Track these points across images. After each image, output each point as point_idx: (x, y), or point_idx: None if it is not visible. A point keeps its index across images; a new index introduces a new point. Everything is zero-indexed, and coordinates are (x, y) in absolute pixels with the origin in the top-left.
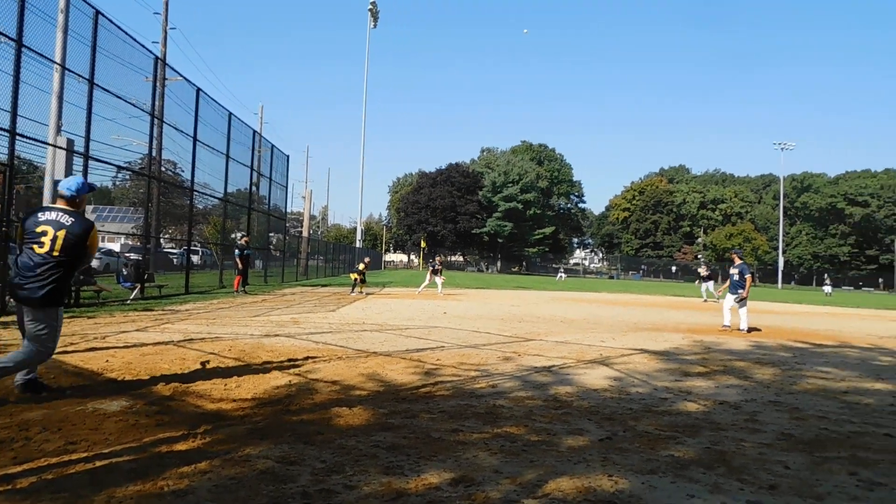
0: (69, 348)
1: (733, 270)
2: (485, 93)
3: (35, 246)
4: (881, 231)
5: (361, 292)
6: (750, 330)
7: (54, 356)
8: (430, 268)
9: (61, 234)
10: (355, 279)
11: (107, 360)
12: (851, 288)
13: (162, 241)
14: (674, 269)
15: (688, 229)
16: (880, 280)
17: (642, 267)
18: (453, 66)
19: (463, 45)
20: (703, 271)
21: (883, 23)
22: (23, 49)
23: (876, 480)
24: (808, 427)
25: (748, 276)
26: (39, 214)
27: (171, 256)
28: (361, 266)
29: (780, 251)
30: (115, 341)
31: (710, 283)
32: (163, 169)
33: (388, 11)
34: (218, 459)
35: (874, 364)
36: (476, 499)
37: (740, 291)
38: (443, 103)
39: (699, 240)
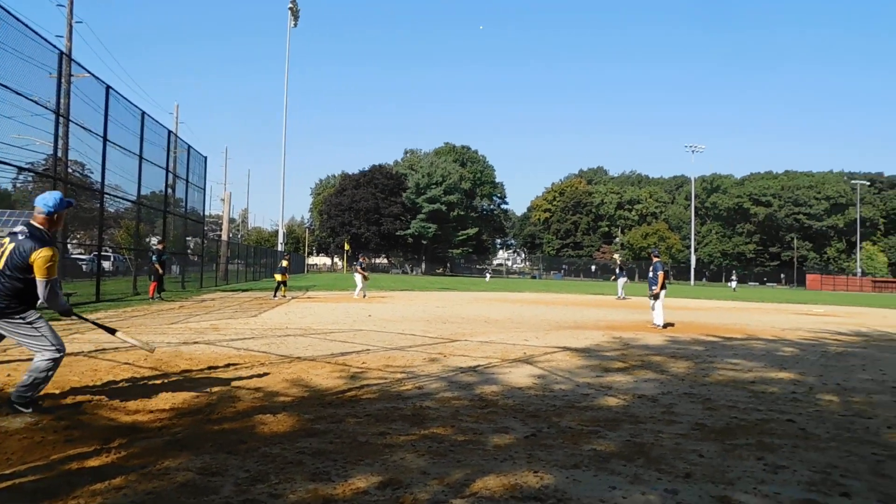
0: None
1: (651, 269)
2: (408, 94)
3: None
4: (782, 229)
5: (284, 296)
6: (665, 325)
7: None
8: (357, 267)
9: (10, 248)
10: (279, 282)
11: (8, 375)
12: (757, 283)
13: (69, 246)
14: (593, 268)
15: (606, 229)
16: (782, 276)
17: (563, 266)
18: (376, 68)
19: (386, 47)
20: (618, 269)
21: (783, 30)
22: None
23: (780, 464)
24: (720, 416)
25: (661, 273)
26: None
27: (80, 263)
28: (285, 263)
29: (693, 249)
30: (17, 354)
31: (623, 280)
32: (70, 170)
33: (308, 13)
34: (134, 474)
35: (777, 355)
36: (404, 501)
37: (653, 288)
38: (366, 104)
39: (617, 239)
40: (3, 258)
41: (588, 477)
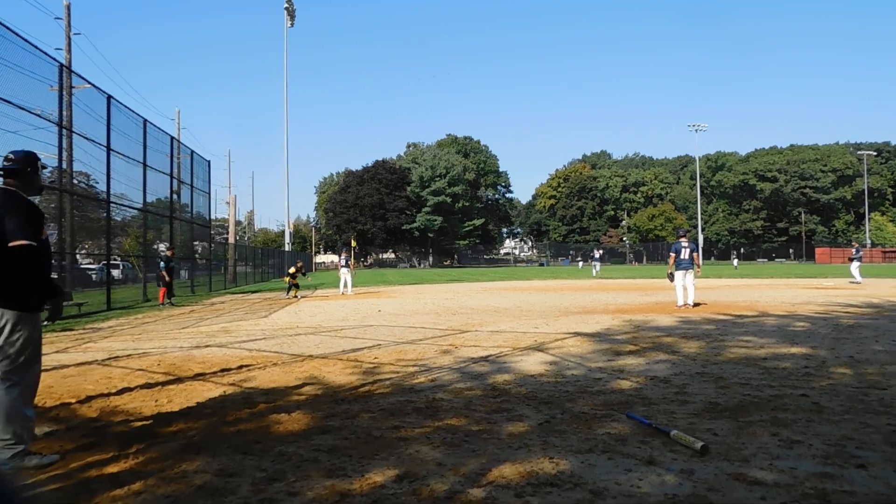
0: None
1: (683, 248)
2: (408, 88)
3: None
4: (789, 204)
5: (296, 296)
6: (683, 305)
7: None
8: (345, 262)
9: None
10: (289, 282)
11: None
12: (765, 260)
13: (78, 256)
14: (601, 252)
15: (612, 213)
16: (791, 251)
17: (571, 252)
18: (375, 64)
19: (383, 42)
20: (597, 253)
21: (778, 11)
22: None
23: (794, 439)
24: (733, 394)
25: (696, 254)
26: None
27: (89, 272)
28: (292, 269)
29: (700, 229)
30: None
31: (598, 264)
32: (75, 181)
33: (304, 12)
34: (152, 478)
35: (789, 330)
36: (421, 493)
37: (695, 268)
38: (366, 100)
39: (623, 222)
40: None
41: (603, 461)
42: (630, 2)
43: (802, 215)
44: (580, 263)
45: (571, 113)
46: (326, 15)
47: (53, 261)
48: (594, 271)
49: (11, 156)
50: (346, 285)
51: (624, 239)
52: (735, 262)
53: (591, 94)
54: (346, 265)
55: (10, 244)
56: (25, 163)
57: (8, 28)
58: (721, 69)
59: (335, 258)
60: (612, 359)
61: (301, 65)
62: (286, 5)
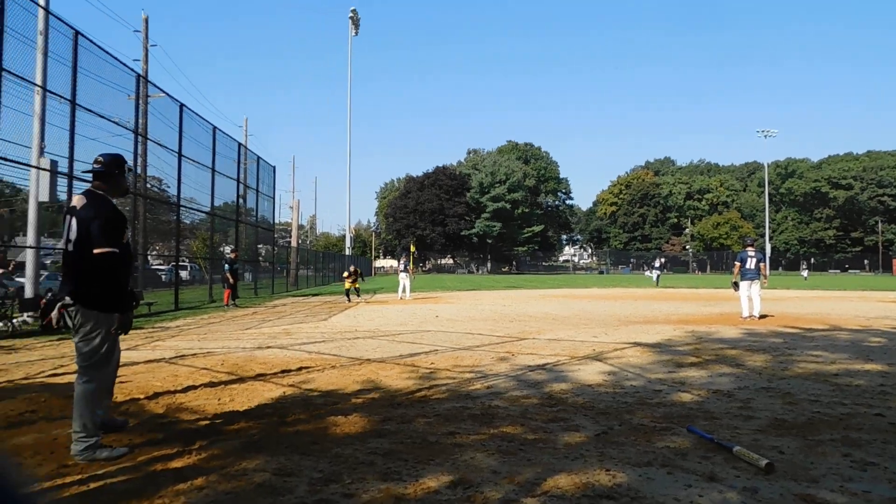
0: (59, 370)
1: (750, 258)
2: (470, 94)
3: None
4: (865, 213)
5: (357, 296)
6: (748, 317)
7: (44, 379)
8: (404, 267)
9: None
10: (349, 287)
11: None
12: (837, 271)
13: (149, 257)
14: (662, 260)
15: (675, 220)
16: (866, 262)
17: (631, 260)
18: (436, 70)
19: (444, 49)
20: (657, 263)
21: (856, 19)
22: (2, 73)
23: (868, 460)
24: (801, 411)
25: (763, 264)
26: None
27: (159, 273)
28: (346, 274)
29: (767, 238)
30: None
31: (658, 272)
32: (148, 185)
33: (368, 20)
34: (214, 475)
35: (864, 346)
36: (475, 500)
37: (761, 279)
38: (428, 107)
39: (686, 230)
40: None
41: (662, 475)
42: (695, 8)
43: (879, 224)
44: (655, 273)
45: (634, 119)
46: (389, 21)
47: None
48: (654, 280)
49: (101, 158)
50: (404, 290)
51: (687, 247)
52: (805, 272)
53: (655, 99)
54: (405, 270)
55: (95, 251)
56: (113, 165)
57: (92, 42)
58: (791, 74)
59: (394, 263)
60: (673, 370)
61: (364, 71)
62: (351, 15)
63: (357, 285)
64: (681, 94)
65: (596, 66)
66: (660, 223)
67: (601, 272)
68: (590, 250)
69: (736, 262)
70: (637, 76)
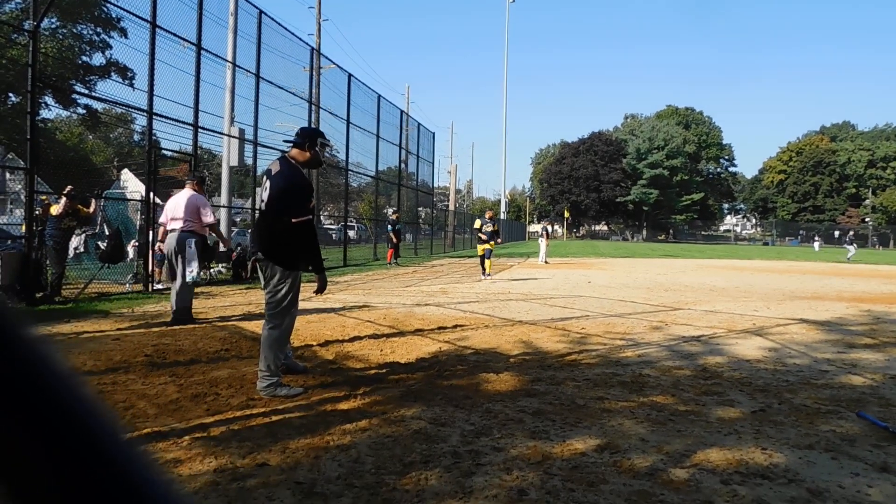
0: (248, 314)
1: None
2: (627, 59)
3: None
4: None
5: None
6: None
7: (235, 322)
8: (545, 234)
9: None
10: (483, 252)
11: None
12: None
13: (322, 217)
14: (836, 234)
15: (853, 191)
16: None
17: (801, 232)
18: (593, 34)
19: (602, 16)
20: (850, 236)
21: None
22: (202, 52)
23: None
24: None
25: None
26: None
27: (330, 232)
28: (481, 234)
29: None
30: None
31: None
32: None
33: None
34: (376, 419)
35: None
36: (622, 465)
37: None
38: (584, 70)
39: (867, 201)
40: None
41: (825, 460)
42: None
43: None
44: (853, 248)
45: (807, 80)
46: None
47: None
48: (848, 255)
49: (299, 130)
50: (542, 254)
51: (867, 220)
52: None
53: (831, 56)
54: (543, 235)
55: (294, 220)
56: (305, 137)
57: (275, 20)
58: None
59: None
60: (844, 351)
61: (521, 35)
62: None
63: (491, 246)
64: (865, 45)
65: (762, 12)
66: (835, 193)
67: (766, 244)
68: (753, 220)
69: None
70: (813, 25)
